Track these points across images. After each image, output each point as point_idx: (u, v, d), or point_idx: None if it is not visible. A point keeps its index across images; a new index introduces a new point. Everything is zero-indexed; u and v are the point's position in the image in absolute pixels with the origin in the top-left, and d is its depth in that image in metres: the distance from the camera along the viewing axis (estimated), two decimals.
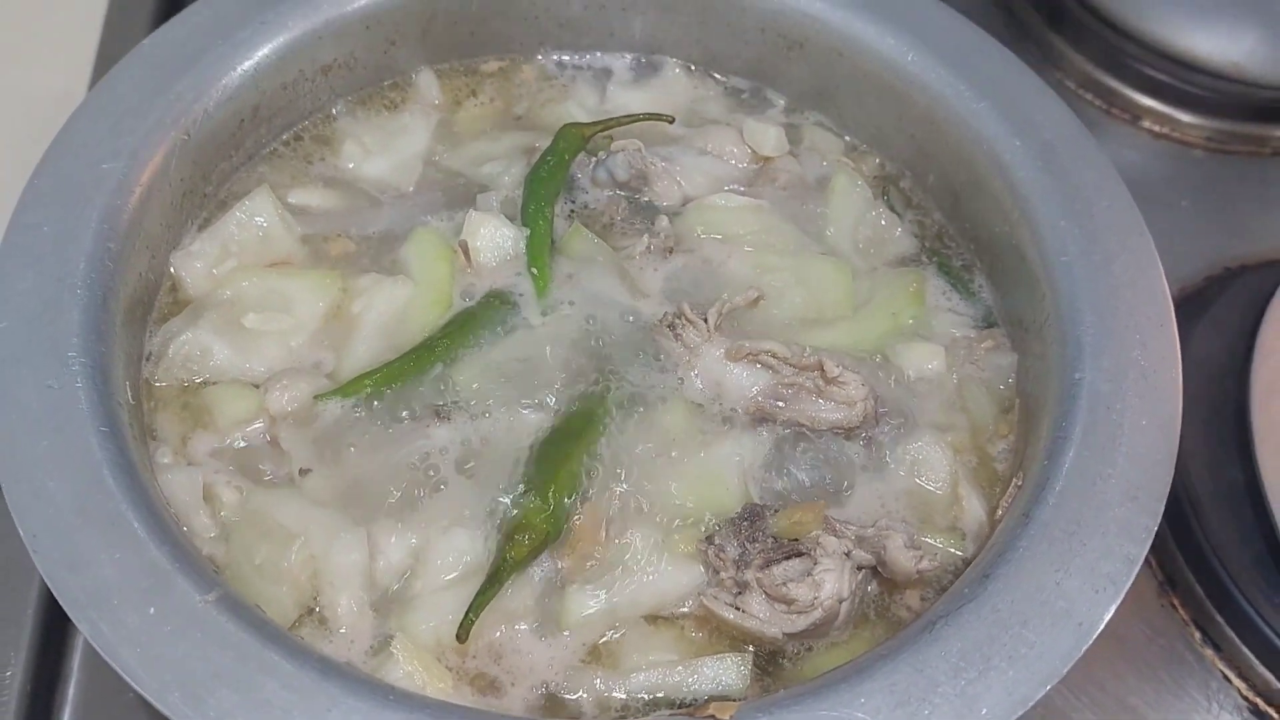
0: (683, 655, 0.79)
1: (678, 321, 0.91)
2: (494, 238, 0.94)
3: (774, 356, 0.88)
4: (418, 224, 0.97)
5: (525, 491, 0.82)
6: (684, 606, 0.81)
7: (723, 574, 0.80)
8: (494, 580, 0.77)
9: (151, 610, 0.68)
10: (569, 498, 0.82)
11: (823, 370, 0.87)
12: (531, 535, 0.79)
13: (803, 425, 0.88)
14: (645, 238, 0.97)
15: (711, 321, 0.90)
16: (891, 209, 1.03)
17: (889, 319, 0.95)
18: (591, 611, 0.79)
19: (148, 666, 0.66)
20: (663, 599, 0.81)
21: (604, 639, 0.79)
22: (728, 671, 0.77)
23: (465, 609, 0.76)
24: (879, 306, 0.96)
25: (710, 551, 0.81)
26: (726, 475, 0.85)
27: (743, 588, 0.79)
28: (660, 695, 0.77)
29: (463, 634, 0.75)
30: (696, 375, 0.90)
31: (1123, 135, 1.43)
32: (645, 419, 0.87)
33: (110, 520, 0.71)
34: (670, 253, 0.97)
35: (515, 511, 0.81)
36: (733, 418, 0.89)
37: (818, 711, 0.67)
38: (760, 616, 0.78)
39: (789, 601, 0.78)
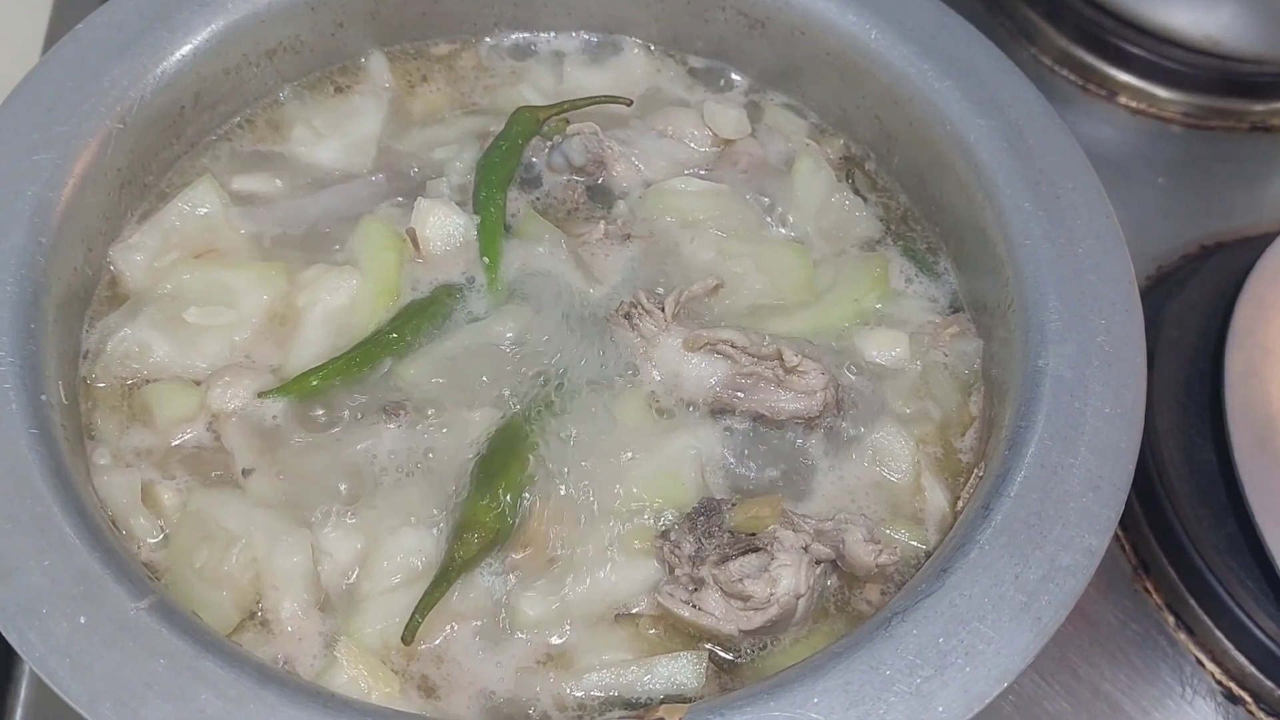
0: (637, 654, 0.77)
1: (634, 311, 0.88)
2: (444, 225, 0.91)
3: (732, 346, 0.86)
4: (366, 212, 0.94)
5: (474, 489, 0.80)
6: (639, 604, 0.79)
7: (678, 571, 0.78)
8: (442, 580, 0.75)
9: (82, 619, 0.66)
10: (519, 495, 0.80)
11: (782, 359, 0.85)
12: (480, 534, 0.77)
13: (762, 415, 0.86)
14: (601, 224, 0.94)
15: (669, 311, 0.88)
16: (856, 192, 1.01)
17: (852, 305, 0.93)
18: (543, 611, 0.77)
19: (78, 677, 0.64)
20: (617, 597, 0.79)
21: (556, 639, 0.77)
22: (683, 670, 0.76)
23: (412, 610, 0.74)
24: (842, 292, 0.94)
25: (665, 548, 0.79)
26: (683, 469, 0.83)
27: (698, 584, 0.77)
28: (614, 695, 0.75)
29: (408, 636, 0.73)
30: (653, 366, 0.88)
31: (1099, 111, 1.41)
32: (600, 411, 0.85)
33: (40, 525, 0.69)
34: (628, 239, 0.94)
35: (464, 510, 0.79)
36: (690, 409, 0.87)
37: (770, 712, 0.66)
38: (716, 614, 0.77)
39: (745, 598, 0.76)
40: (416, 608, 0.74)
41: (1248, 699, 1.02)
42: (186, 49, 0.91)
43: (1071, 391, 0.79)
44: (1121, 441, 0.77)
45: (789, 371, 0.85)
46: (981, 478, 0.80)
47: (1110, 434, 0.77)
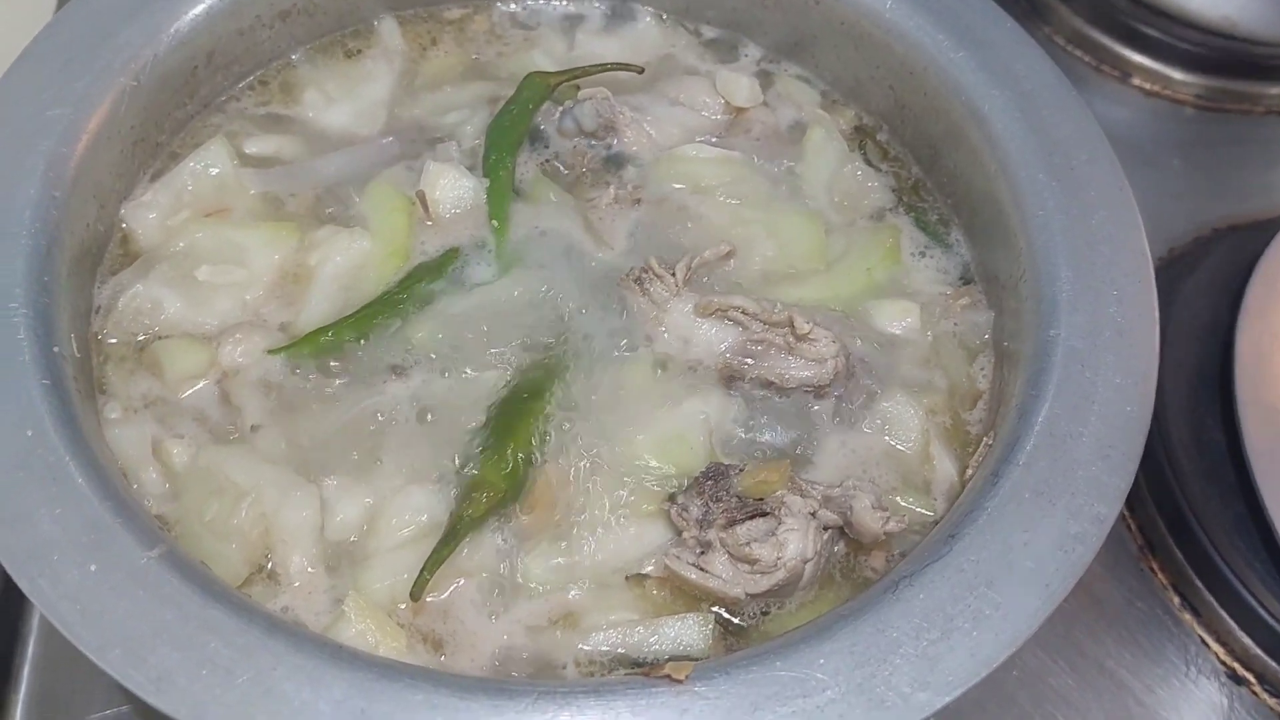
0: (644, 615, 0.77)
1: (645, 276, 0.88)
2: (453, 188, 0.91)
3: (743, 312, 0.86)
4: (376, 175, 0.94)
5: (484, 449, 0.80)
6: (646, 566, 0.79)
7: (686, 534, 0.78)
8: (450, 538, 0.76)
9: (93, 567, 0.66)
10: (529, 455, 0.80)
11: (793, 327, 0.85)
12: (489, 493, 0.78)
13: (772, 383, 0.86)
14: (611, 188, 0.94)
15: (680, 276, 0.88)
16: (868, 162, 1.01)
17: (863, 274, 0.93)
18: (550, 570, 0.78)
19: (88, 623, 0.64)
20: (624, 559, 0.79)
21: (563, 598, 0.77)
22: (689, 631, 0.76)
23: (420, 567, 0.74)
24: (853, 262, 0.94)
25: (673, 511, 0.79)
26: (692, 434, 0.83)
27: (706, 547, 0.77)
28: (621, 654, 0.75)
29: (416, 592, 0.73)
30: (663, 331, 0.88)
31: (1112, 92, 1.41)
32: (609, 376, 0.85)
33: (52, 474, 0.69)
34: (638, 203, 0.94)
35: (473, 469, 0.79)
36: (699, 375, 0.87)
37: (777, 672, 0.65)
38: (723, 576, 0.77)
39: (752, 561, 0.76)
40: (425, 564, 0.74)
41: (1251, 679, 1.02)
42: (200, 8, 0.92)
43: (1083, 361, 0.79)
44: (1133, 411, 0.77)
45: (800, 339, 0.85)
46: (991, 446, 0.80)
47: (1122, 404, 0.77)
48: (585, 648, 0.76)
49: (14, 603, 0.92)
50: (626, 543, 0.79)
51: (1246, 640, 1.02)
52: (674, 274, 0.88)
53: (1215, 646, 1.03)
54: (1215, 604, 1.03)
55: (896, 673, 0.66)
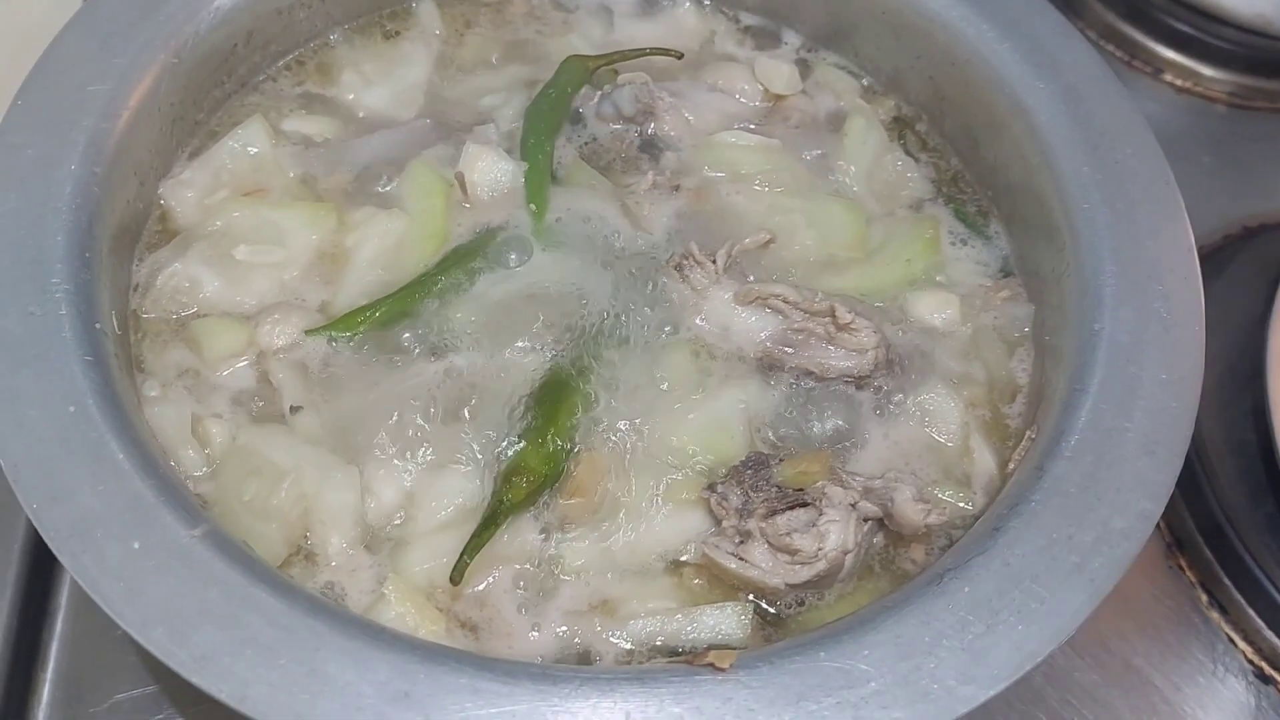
0: (681, 604, 0.77)
1: (685, 262, 0.88)
2: (491, 171, 0.91)
3: (784, 301, 0.86)
4: (413, 157, 0.93)
5: (524, 433, 0.80)
6: (685, 554, 0.79)
7: (725, 523, 0.78)
8: (490, 522, 0.75)
9: (136, 544, 0.65)
10: (569, 440, 0.80)
11: (834, 316, 0.85)
12: (529, 478, 0.77)
13: (812, 372, 0.85)
14: (650, 174, 0.93)
15: (720, 263, 0.87)
16: (907, 153, 1.00)
17: (903, 265, 0.93)
18: (588, 557, 0.77)
19: (131, 601, 0.64)
20: (663, 547, 0.79)
21: (600, 586, 0.77)
22: (728, 620, 0.75)
23: (459, 551, 0.74)
24: (893, 253, 0.93)
25: (713, 500, 0.79)
26: (731, 422, 0.83)
27: (745, 537, 0.77)
28: (659, 643, 0.75)
29: (456, 576, 0.73)
30: (703, 318, 0.87)
31: (1144, 88, 1.40)
32: (648, 361, 0.85)
33: (94, 452, 0.68)
34: (676, 190, 0.93)
35: (513, 454, 0.79)
36: (739, 363, 0.86)
37: (820, 662, 0.65)
38: (763, 566, 0.76)
39: (793, 552, 0.76)
40: (465, 549, 0.74)
41: (1279, 679, 1.01)
42: None
43: (1128, 356, 0.78)
44: (1178, 407, 0.76)
45: (841, 329, 0.85)
46: (1034, 440, 0.79)
47: (1167, 399, 0.76)
48: (623, 636, 0.75)
49: (42, 581, 0.92)
50: (664, 530, 0.79)
51: (1274, 639, 1.01)
52: (714, 261, 0.87)
53: (1243, 645, 1.03)
54: (1243, 602, 1.03)
55: (941, 665, 0.65)
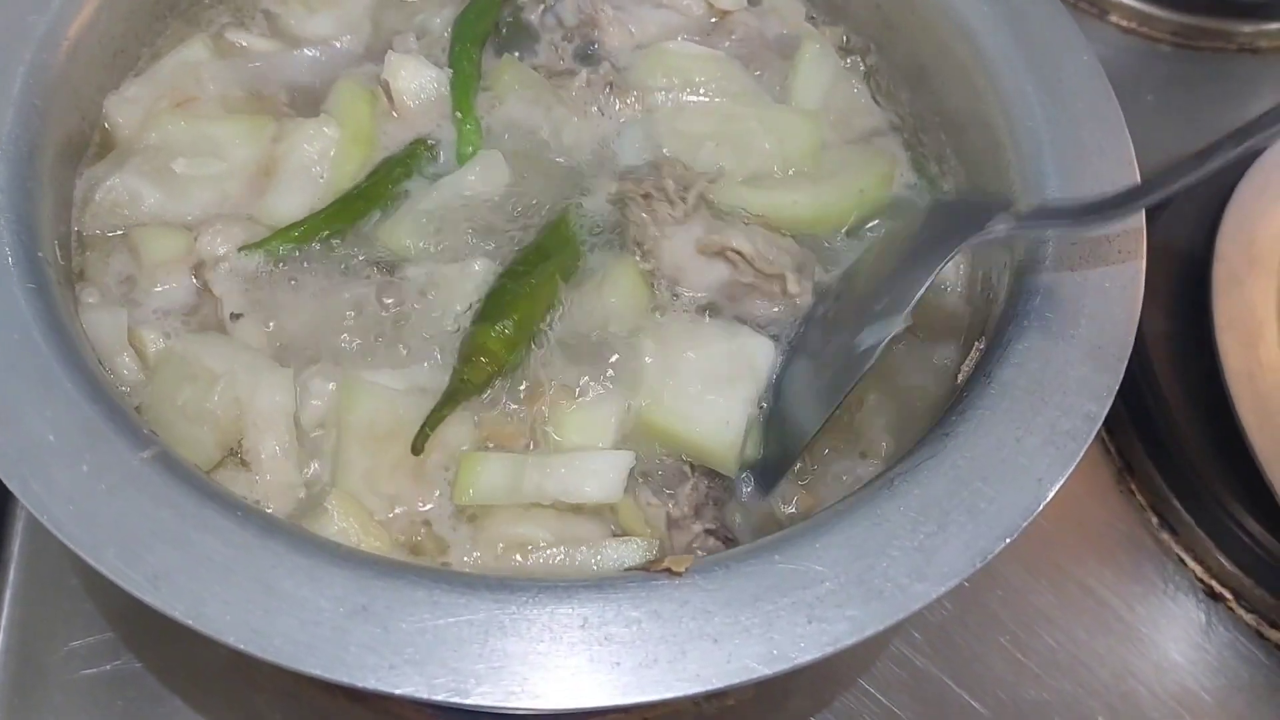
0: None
1: (654, 194, 0.87)
2: (415, 78, 0.91)
3: (741, 256, 0.85)
4: (344, 74, 0.94)
5: (483, 319, 0.79)
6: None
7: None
8: (449, 399, 0.76)
9: (85, 468, 0.65)
10: (530, 334, 0.80)
11: (784, 283, 0.85)
12: (490, 360, 0.77)
13: (740, 317, 0.87)
14: (584, 73, 0.93)
15: (690, 202, 0.87)
16: (864, 82, 1.01)
17: (856, 195, 0.92)
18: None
19: (82, 524, 0.63)
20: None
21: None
22: (633, 553, 0.75)
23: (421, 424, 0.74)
24: (848, 180, 0.93)
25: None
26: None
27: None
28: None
29: (418, 446, 0.73)
30: (658, 255, 0.86)
31: (1090, 29, 1.41)
32: (597, 274, 0.85)
33: (40, 378, 0.68)
34: (610, 87, 0.93)
35: (473, 336, 0.79)
36: (680, 300, 0.87)
37: (775, 564, 0.66)
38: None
39: None
40: (426, 421, 0.74)
41: (1228, 596, 1.04)
42: None
43: (1071, 266, 0.79)
44: (1121, 312, 0.77)
45: (785, 295, 0.85)
46: (982, 350, 0.80)
47: (1110, 305, 0.78)
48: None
49: None
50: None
51: (1223, 558, 1.04)
52: (684, 199, 0.86)
53: (1193, 565, 1.05)
54: (1193, 523, 1.05)
55: (894, 564, 0.66)
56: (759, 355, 0.82)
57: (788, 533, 0.68)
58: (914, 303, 0.75)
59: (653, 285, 0.86)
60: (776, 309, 0.86)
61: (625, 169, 0.90)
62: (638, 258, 0.87)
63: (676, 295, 0.87)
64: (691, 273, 0.87)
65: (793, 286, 0.85)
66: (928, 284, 0.75)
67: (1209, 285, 1.09)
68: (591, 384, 0.80)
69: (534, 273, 0.82)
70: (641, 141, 0.91)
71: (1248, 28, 1.43)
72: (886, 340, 0.75)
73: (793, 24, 1.02)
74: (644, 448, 0.80)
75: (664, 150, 0.91)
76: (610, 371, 0.81)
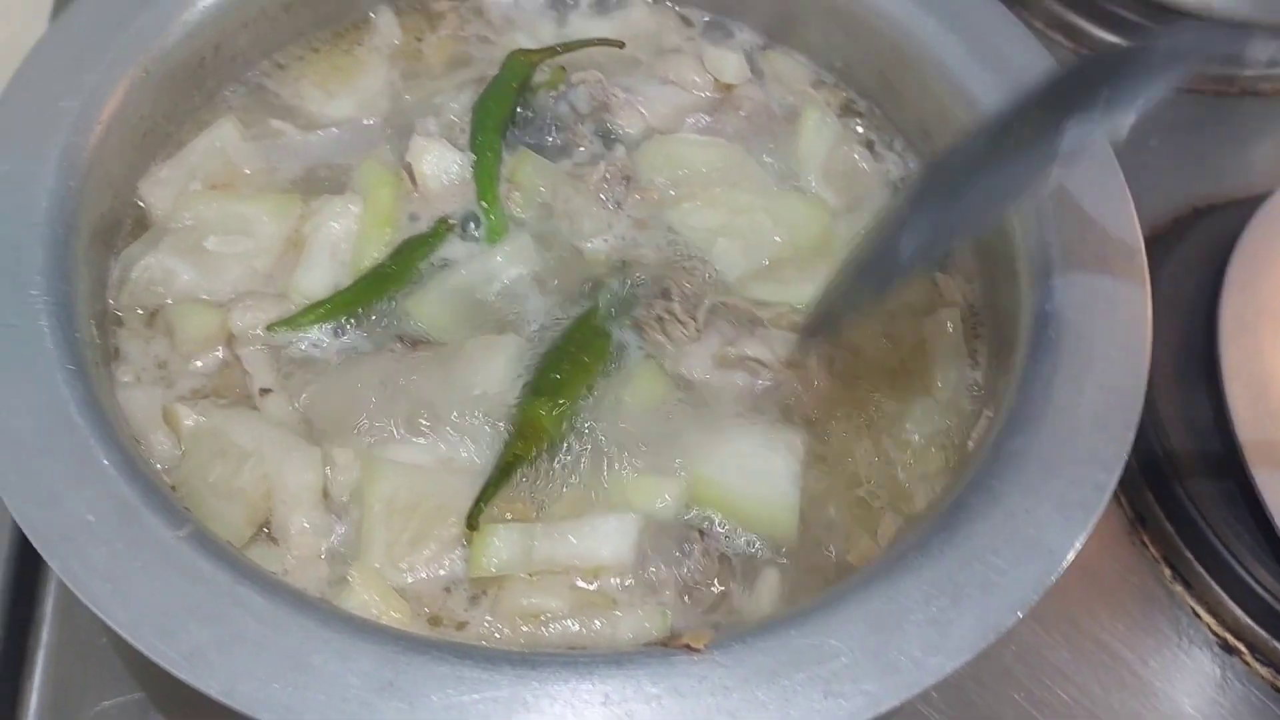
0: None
1: (665, 318, 0.89)
2: (440, 162, 0.93)
3: (761, 364, 0.88)
4: (368, 154, 0.96)
5: (535, 394, 0.82)
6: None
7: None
8: (504, 473, 0.78)
9: (121, 545, 0.67)
10: (575, 408, 0.82)
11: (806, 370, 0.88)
12: (543, 435, 0.80)
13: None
14: (602, 164, 0.95)
15: (701, 320, 0.89)
16: (865, 145, 1.03)
17: None
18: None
19: (120, 601, 0.65)
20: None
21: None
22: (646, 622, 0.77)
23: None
24: None
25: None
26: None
27: None
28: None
29: (473, 521, 0.75)
30: (679, 368, 0.88)
31: None
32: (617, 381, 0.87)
33: (78, 457, 0.69)
34: (628, 180, 0.95)
35: (527, 411, 0.81)
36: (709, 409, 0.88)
37: (792, 639, 0.67)
38: None
39: None
40: (480, 495, 0.77)
41: (1243, 649, 1.03)
42: (209, 1, 0.93)
43: (1078, 335, 0.81)
44: (1129, 381, 0.79)
45: (804, 387, 0.88)
46: (992, 419, 0.82)
47: (1117, 374, 0.79)
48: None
49: (28, 589, 0.92)
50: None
51: (1238, 611, 1.03)
52: (695, 319, 0.88)
53: (1207, 618, 1.04)
54: (1206, 575, 1.05)
55: (908, 639, 0.67)
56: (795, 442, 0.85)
57: (803, 607, 0.70)
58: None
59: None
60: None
61: (637, 281, 0.92)
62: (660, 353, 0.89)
63: (706, 403, 0.88)
64: (714, 383, 0.88)
65: (812, 380, 0.87)
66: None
67: (1216, 333, 1.09)
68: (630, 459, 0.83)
69: (577, 355, 0.84)
70: (656, 240, 0.94)
71: (1249, 71, 1.43)
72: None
73: (797, 90, 1.04)
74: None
75: (676, 248, 0.94)
76: (644, 447, 0.83)
